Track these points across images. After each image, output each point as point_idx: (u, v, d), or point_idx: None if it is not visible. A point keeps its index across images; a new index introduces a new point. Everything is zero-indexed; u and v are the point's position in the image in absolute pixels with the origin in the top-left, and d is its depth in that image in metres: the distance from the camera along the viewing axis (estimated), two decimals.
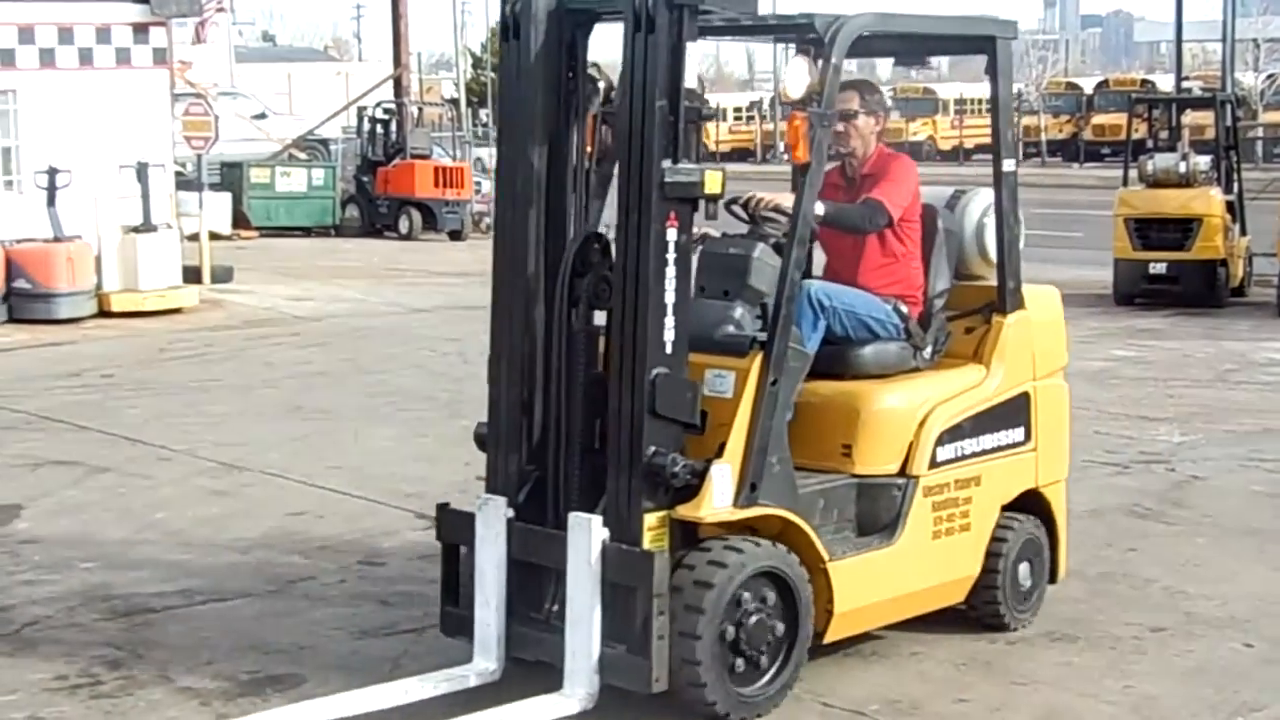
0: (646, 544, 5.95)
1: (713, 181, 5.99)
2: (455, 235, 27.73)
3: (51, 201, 18.39)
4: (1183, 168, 18.78)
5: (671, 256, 5.95)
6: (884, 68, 62.49)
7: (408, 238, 27.86)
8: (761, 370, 6.10)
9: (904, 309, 6.87)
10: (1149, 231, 18.86)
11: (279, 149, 31.86)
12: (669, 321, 5.96)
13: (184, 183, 22.68)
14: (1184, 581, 8.03)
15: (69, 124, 19.19)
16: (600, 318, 6.26)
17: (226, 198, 27.40)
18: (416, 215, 28.08)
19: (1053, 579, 7.37)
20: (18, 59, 19.42)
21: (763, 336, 6.19)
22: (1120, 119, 33.36)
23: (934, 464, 6.70)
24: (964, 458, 6.83)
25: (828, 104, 6.19)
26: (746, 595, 5.97)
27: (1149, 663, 6.89)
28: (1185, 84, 32.87)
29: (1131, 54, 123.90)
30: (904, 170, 6.92)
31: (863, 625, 6.62)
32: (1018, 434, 7.08)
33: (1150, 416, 12.43)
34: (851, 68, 6.85)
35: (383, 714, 6.10)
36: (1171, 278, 18.72)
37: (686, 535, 6.09)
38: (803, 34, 6.60)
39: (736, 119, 60.63)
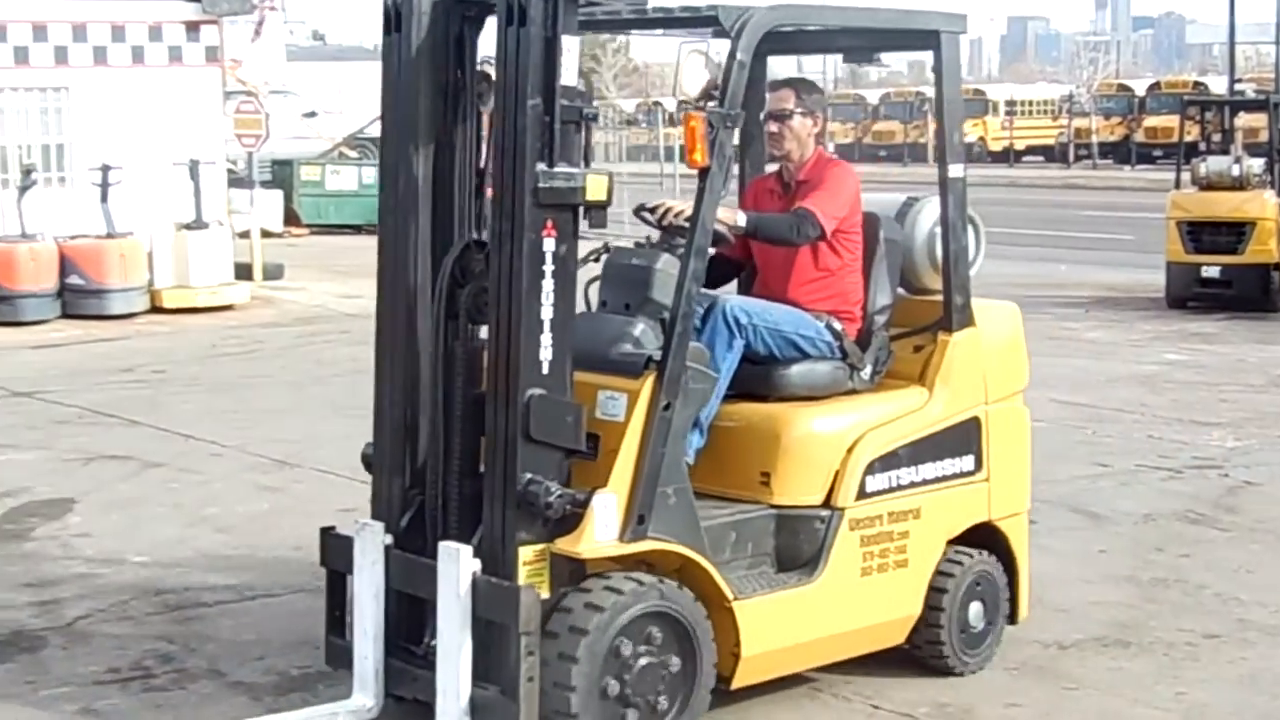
0: (522, 579, 5.48)
1: (596, 187, 5.51)
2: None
3: (104, 198, 18.36)
4: (1236, 171, 18.19)
5: (549, 268, 5.47)
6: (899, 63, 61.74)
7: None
8: (653, 393, 5.60)
9: (838, 326, 6.34)
10: (1201, 235, 18.31)
11: (329, 147, 31.83)
12: (546, 339, 5.49)
13: (235, 180, 22.57)
14: (1237, 588, 7.83)
15: (121, 121, 19.16)
16: (484, 332, 5.79)
17: (278, 195, 27.33)
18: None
19: (1012, 619, 6.78)
20: (71, 56, 19.37)
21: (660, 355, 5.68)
22: (1172, 121, 32.85)
23: (863, 495, 6.16)
24: (899, 488, 6.28)
25: (731, 103, 5.66)
26: (627, 642, 5.49)
27: (1201, 669, 6.74)
28: (1238, 86, 32.05)
29: (1184, 56, 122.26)
30: (841, 178, 6.38)
31: (779, 669, 6.08)
32: (966, 463, 6.50)
33: (1203, 421, 12.07)
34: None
35: None
36: (1224, 281, 18.21)
37: (576, 571, 5.59)
38: (706, 27, 6.06)
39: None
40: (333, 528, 6.21)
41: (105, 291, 18.32)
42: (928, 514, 6.36)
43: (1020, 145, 53.48)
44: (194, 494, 9.79)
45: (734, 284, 6.80)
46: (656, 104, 54.18)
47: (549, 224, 5.46)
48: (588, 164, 5.63)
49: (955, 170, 6.45)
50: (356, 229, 27.20)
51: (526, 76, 5.39)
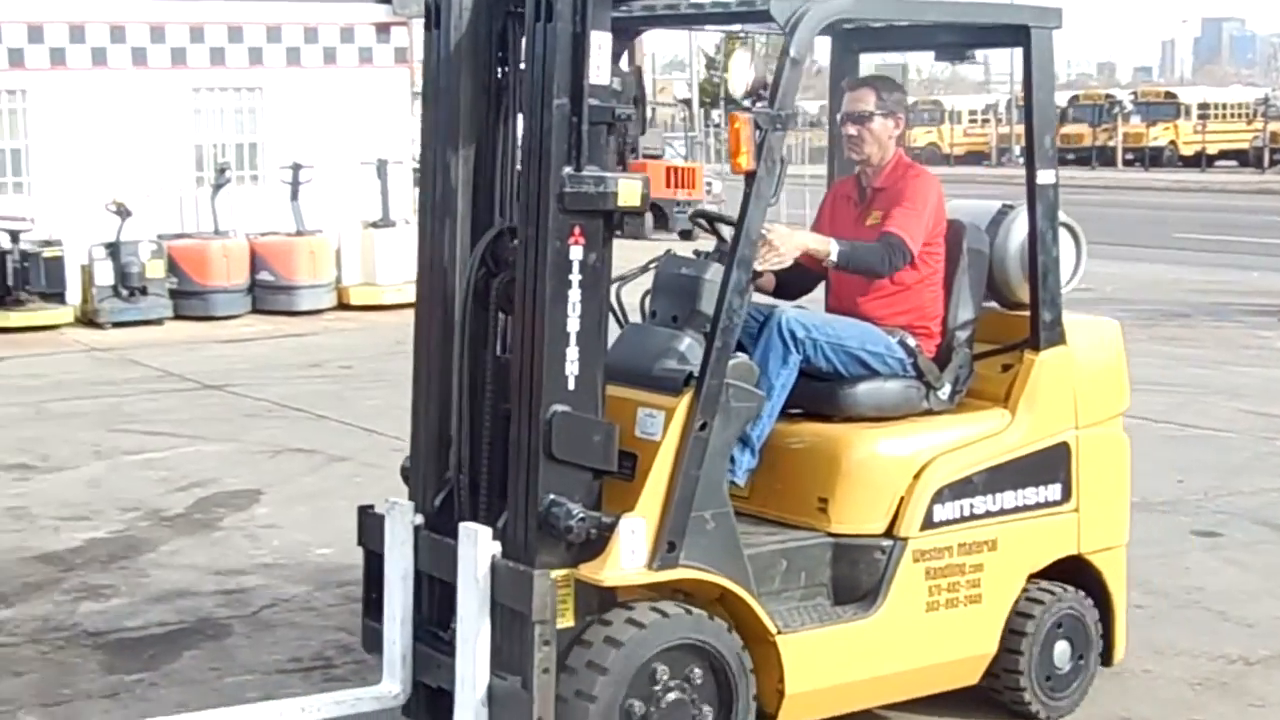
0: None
1: (629, 193, 5.16)
2: (685, 235, 26.98)
3: (295, 196, 18.58)
4: None
5: (576, 278, 5.14)
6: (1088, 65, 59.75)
7: (638, 237, 27.24)
8: (689, 411, 5.23)
9: (912, 342, 5.90)
10: None
11: None
12: (572, 353, 5.15)
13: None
14: None
15: (312, 121, 19.34)
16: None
17: None
18: (648, 215, 27.22)
19: (1106, 660, 6.26)
20: (265, 58, 19.59)
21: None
22: None
23: (930, 524, 5.72)
24: (973, 518, 5.82)
25: (782, 103, 5.27)
26: (650, 678, 5.15)
27: None
28: None
29: None
30: (923, 190, 5.94)
31: (829, 708, 5.66)
32: (1051, 491, 6.02)
33: None
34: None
35: None
36: None
37: (607, 599, 5.25)
38: (759, 22, 5.66)
39: (971, 122, 59.61)
40: (371, 506, 5.91)
41: (294, 288, 18.60)
42: (1005, 546, 5.89)
43: (1213, 149, 52.16)
44: (377, 488, 9.53)
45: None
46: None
47: (576, 230, 5.13)
48: (625, 167, 5.29)
49: (1045, 176, 5.96)
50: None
51: (553, 75, 5.07)
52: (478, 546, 5.18)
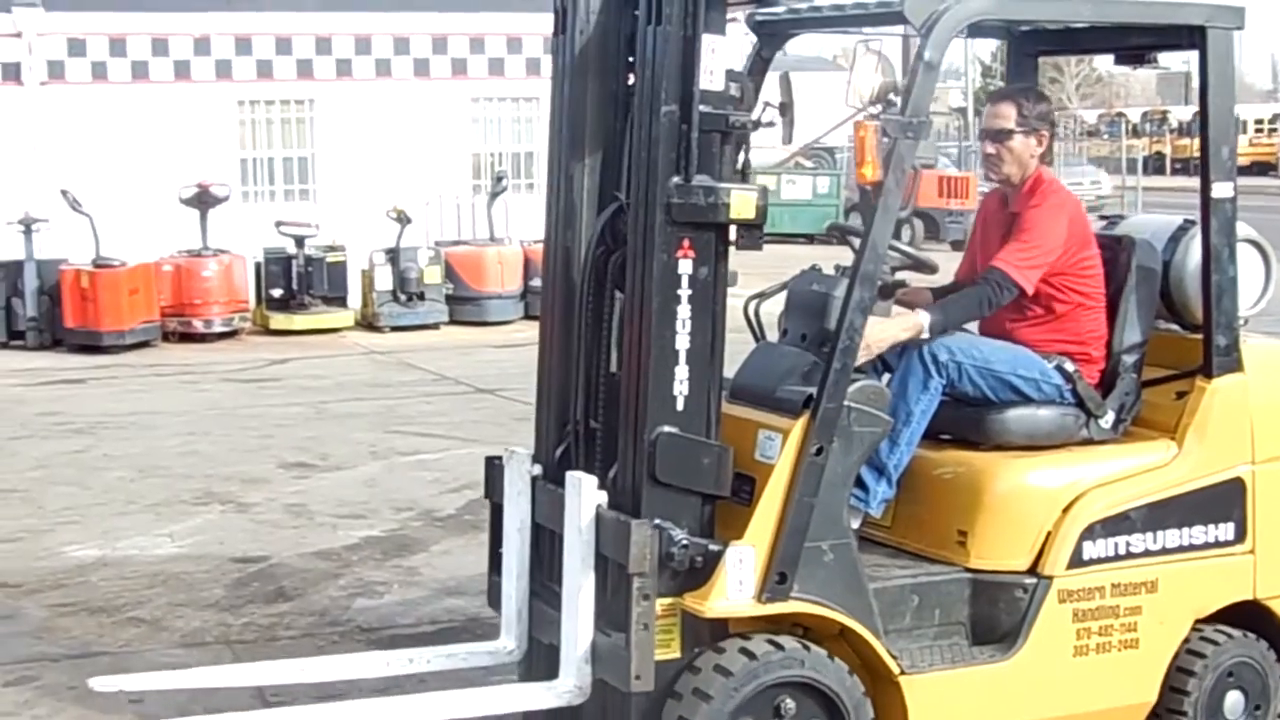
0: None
1: (743, 205, 4.88)
2: (957, 245, 26.29)
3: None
4: None
5: (685, 293, 4.88)
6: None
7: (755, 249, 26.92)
8: (804, 435, 4.91)
9: (1070, 367, 5.46)
10: None
11: (785, 156, 31.54)
12: (681, 372, 4.89)
13: None
14: None
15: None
16: None
17: None
18: (919, 224, 26.97)
19: None
20: (543, 68, 19.68)
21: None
22: None
23: (1079, 563, 5.29)
24: (1129, 556, 5.36)
25: (915, 110, 4.91)
26: (757, 713, 4.86)
27: None
28: None
29: None
30: (1048, 218, 5.46)
31: None
32: (1224, 531, 5.52)
33: None
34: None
35: (365, 682, 5.76)
36: None
37: (719, 630, 4.97)
38: (893, 24, 5.29)
39: (1258, 131, 56.86)
40: (498, 457, 5.69)
41: None
42: (1168, 588, 5.41)
43: None
44: None
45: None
46: (1120, 115, 51.59)
47: (685, 243, 4.87)
48: (745, 178, 4.99)
49: (1222, 190, 5.46)
50: (809, 238, 26.88)
51: (662, 80, 4.81)
52: (582, 496, 4.97)
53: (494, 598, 5.68)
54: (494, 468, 5.63)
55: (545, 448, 5.41)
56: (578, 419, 5.27)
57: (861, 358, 5.08)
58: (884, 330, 5.22)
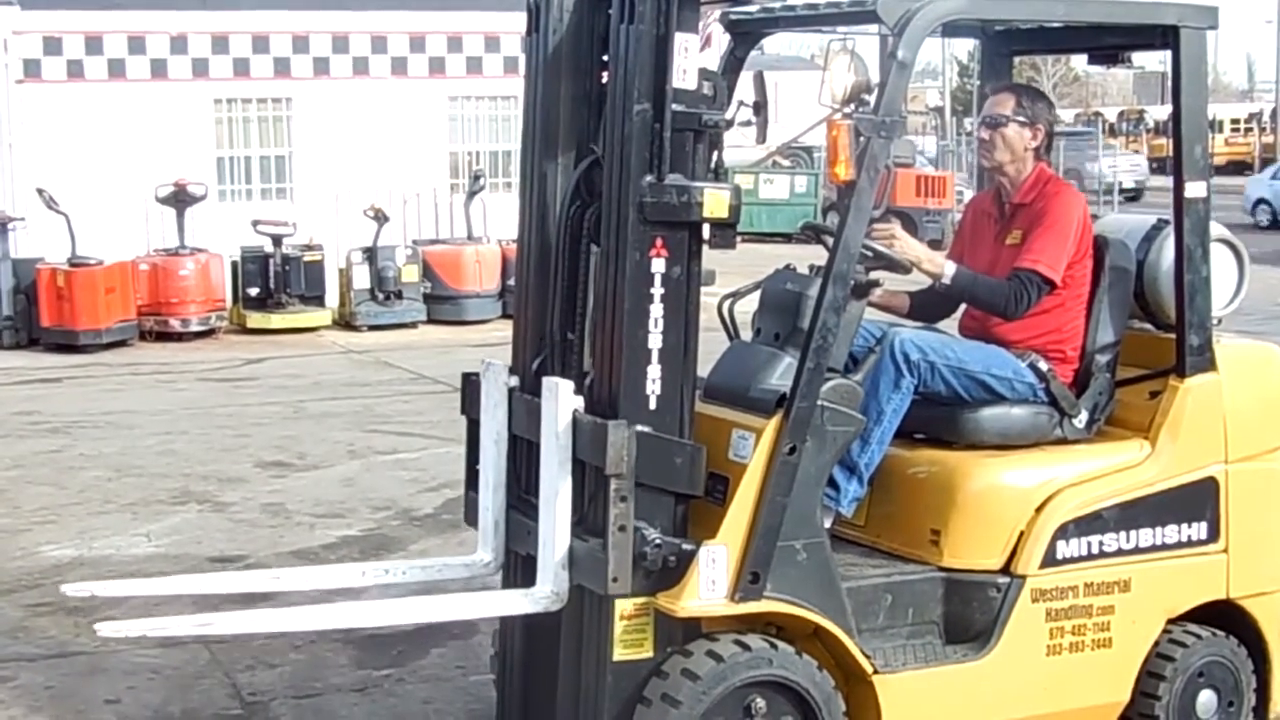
0: (617, 636, 4.89)
1: (716, 204, 4.86)
2: (934, 245, 26.36)
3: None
4: None
5: (658, 291, 4.86)
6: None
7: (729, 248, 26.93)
8: (776, 434, 4.90)
9: (1044, 366, 5.46)
10: None
11: (763, 155, 31.61)
12: (654, 371, 4.88)
13: None
14: None
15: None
16: None
17: None
18: (896, 223, 26.69)
19: (1262, 715, 5.71)
20: (521, 66, 19.64)
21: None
22: None
23: (1051, 562, 5.28)
24: (1102, 555, 5.36)
25: (887, 109, 4.91)
26: (739, 712, 4.86)
27: None
28: None
29: None
30: (1065, 210, 5.49)
31: None
32: (1196, 530, 5.52)
33: None
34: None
35: (348, 591, 5.77)
36: None
37: (692, 629, 4.97)
38: (866, 23, 5.29)
39: (1234, 130, 57.51)
40: (474, 373, 5.63)
41: None
42: (1140, 587, 5.42)
43: None
44: None
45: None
46: (1097, 114, 51.87)
47: (658, 242, 4.86)
48: (719, 176, 4.98)
49: (1195, 189, 5.46)
50: (787, 237, 26.92)
51: (634, 78, 4.80)
52: (559, 400, 4.93)
53: (470, 514, 5.62)
54: (471, 383, 5.57)
55: (522, 361, 5.37)
56: (554, 332, 5.23)
57: (884, 248, 5.19)
58: (915, 247, 5.32)
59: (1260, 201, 35.75)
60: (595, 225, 5.09)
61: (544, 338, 5.28)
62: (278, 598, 6.31)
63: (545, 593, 4.99)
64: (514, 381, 5.35)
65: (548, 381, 5.00)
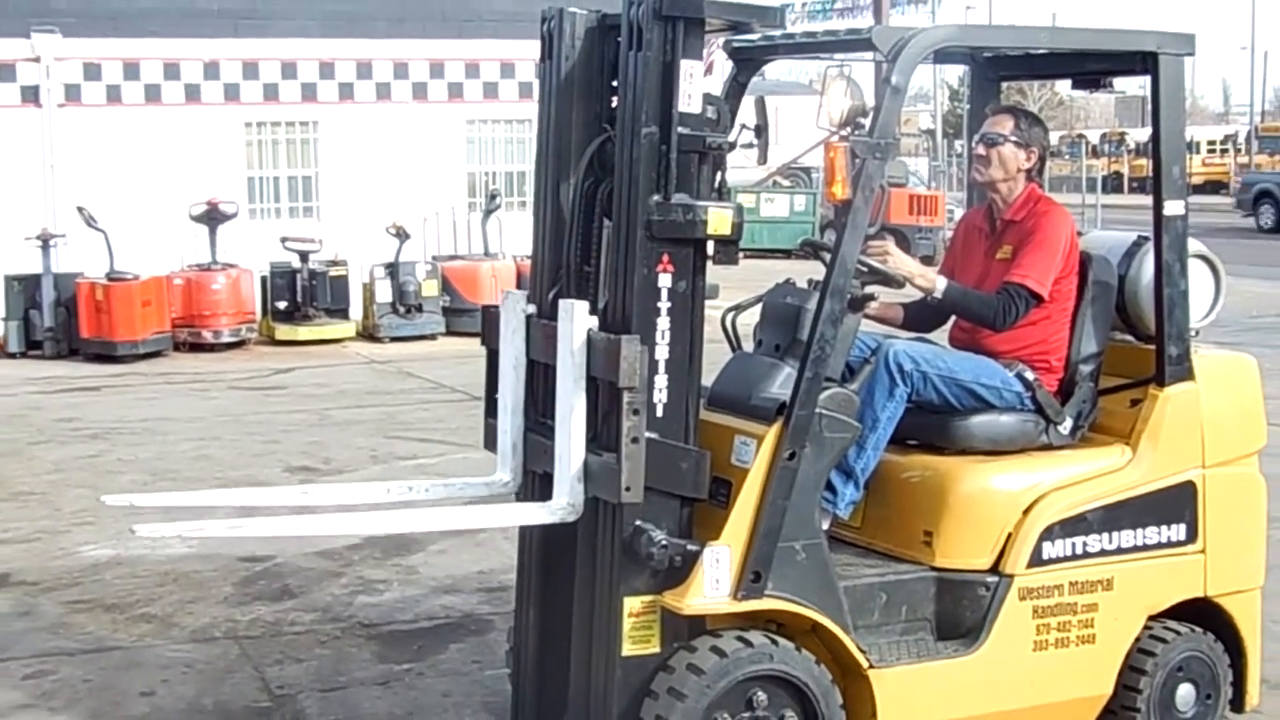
0: (626, 631, 4.89)
1: (719, 221, 4.85)
2: (926, 260, 26.35)
3: None
4: None
5: (664, 305, 4.85)
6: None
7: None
8: (777, 440, 4.89)
9: (1030, 375, 5.44)
10: None
11: (765, 175, 31.63)
12: (660, 380, 4.87)
13: None
14: None
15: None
16: None
17: None
18: (890, 239, 26.70)
19: (1238, 707, 5.70)
20: (535, 91, 19.65)
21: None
22: None
23: (1038, 562, 5.27)
24: (1086, 555, 5.34)
25: (882, 131, 4.90)
26: (731, 709, 4.84)
27: None
28: None
29: None
30: (1055, 227, 5.48)
31: None
32: (1175, 531, 5.50)
33: None
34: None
35: (373, 507, 5.68)
36: None
37: (696, 626, 4.96)
38: (862, 51, 5.29)
39: (1210, 151, 57.76)
40: (494, 306, 5.60)
41: None
42: (1123, 586, 5.40)
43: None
44: None
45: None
46: (1080, 136, 51.94)
47: (664, 258, 4.85)
48: (722, 196, 4.97)
49: (1173, 208, 5.45)
50: (786, 253, 26.93)
51: (642, 103, 4.79)
52: (574, 320, 4.91)
53: (490, 440, 5.57)
54: (490, 314, 5.54)
55: (540, 291, 5.31)
56: (572, 263, 5.20)
57: (879, 263, 5.19)
58: (907, 263, 5.31)
59: (1264, 196, 34.44)
60: (608, 200, 5.05)
61: (561, 269, 5.23)
62: (305, 511, 6.26)
63: (562, 504, 4.97)
64: (531, 309, 5.31)
65: (564, 302, 4.97)
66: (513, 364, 5.34)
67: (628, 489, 4.73)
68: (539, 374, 5.31)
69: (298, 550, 8.67)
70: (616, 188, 4.93)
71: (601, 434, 4.91)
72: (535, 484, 5.33)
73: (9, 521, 9.53)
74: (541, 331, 5.21)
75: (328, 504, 5.71)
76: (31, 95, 18.52)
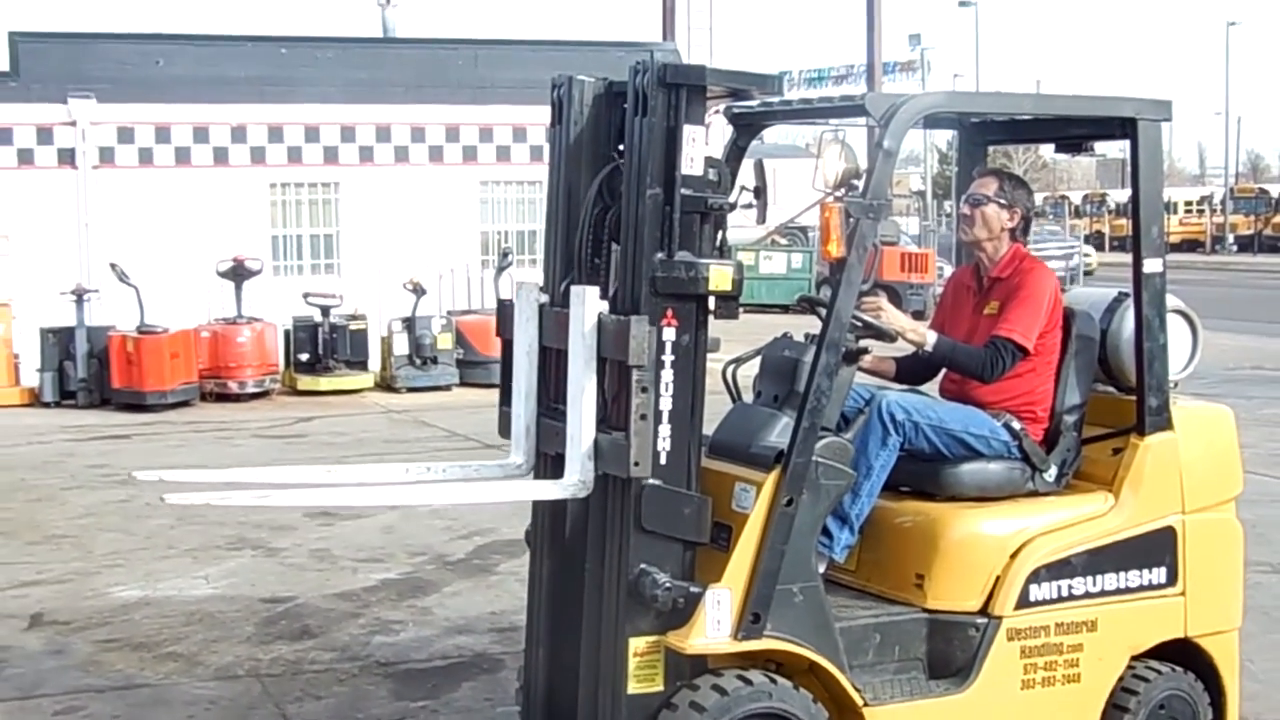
0: (631, 671, 4.86)
1: (720, 278, 4.85)
2: (917, 315, 26.38)
3: None
4: None
5: (669, 358, 4.85)
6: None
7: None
8: (775, 487, 4.88)
9: (1017, 425, 5.43)
10: None
11: (763, 234, 31.73)
12: (664, 429, 4.85)
13: None
14: None
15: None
16: None
17: None
18: (882, 295, 26.81)
19: None
20: (545, 155, 19.74)
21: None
22: None
23: (1025, 604, 5.24)
24: (1071, 598, 5.31)
25: (875, 193, 4.91)
26: None
27: None
28: None
29: None
30: (1039, 286, 5.47)
31: None
32: (1156, 574, 5.47)
33: None
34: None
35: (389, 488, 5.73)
36: None
37: (698, 665, 4.93)
38: (856, 116, 5.30)
39: (1187, 212, 58.35)
40: (509, 300, 5.56)
41: None
42: (1106, 627, 5.37)
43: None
44: None
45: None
46: (1064, 197, 52.31)
47: (668, 313, 4.84)
48: (723, 253, 4.98)
49: (1152, 265, 5.45)
50: (784, 308, 26.97)
51: (647, 165, 4.81)
52: (585, 304, 4.90)
53: (504, 426, 5.51)
54: (504, 306, 5.51)
55: (552, 282, 5.30)
56: (583, 253, 5.17)
57: (872, 318, 5.18)
58: (899, 318, 5.30)
59: None
60: (616, 225, 5.06)
61: (572, 261, 5.22)
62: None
63: (573, 481, 4.95)
64: (544, 298, 5.29)
65: (575, 288, 4.96)
66: (526, 351, 5.31)
67: (636, 464, 4.74)
68: (551, 361, 5.29)
69: (317, 592, 8.67)
70: (622, 246, 4.94)
71: (611, 415, 4.91)
72: (548, 465, 5.30)
73: (42, 563, 9.50)
74: (554, 319, 5.19)
75: (350, 483, 5.65)
76: (68, 157, 18.62)
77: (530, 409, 5.31)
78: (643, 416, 4.74)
